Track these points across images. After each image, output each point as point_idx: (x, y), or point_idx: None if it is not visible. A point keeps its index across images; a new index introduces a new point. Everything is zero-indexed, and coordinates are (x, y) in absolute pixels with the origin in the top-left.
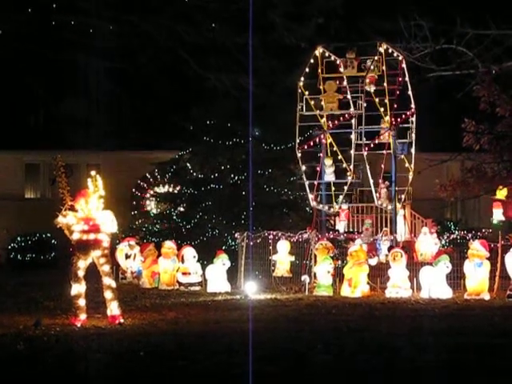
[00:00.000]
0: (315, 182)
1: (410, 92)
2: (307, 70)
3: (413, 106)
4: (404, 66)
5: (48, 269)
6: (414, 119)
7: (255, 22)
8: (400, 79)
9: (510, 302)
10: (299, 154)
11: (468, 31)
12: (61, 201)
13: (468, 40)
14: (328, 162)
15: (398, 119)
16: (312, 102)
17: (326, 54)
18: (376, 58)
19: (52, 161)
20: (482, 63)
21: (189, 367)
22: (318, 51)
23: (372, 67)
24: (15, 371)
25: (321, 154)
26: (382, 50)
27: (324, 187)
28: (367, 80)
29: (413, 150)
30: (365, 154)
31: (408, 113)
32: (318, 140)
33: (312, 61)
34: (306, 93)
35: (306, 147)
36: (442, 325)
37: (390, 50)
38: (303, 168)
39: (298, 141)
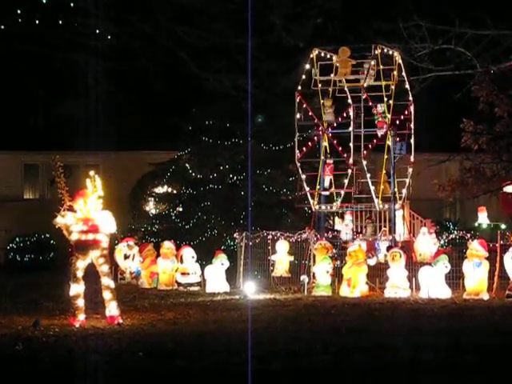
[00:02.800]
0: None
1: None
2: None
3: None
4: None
5: (47, 269)
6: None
7: (254, 22)
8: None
9: (509, 302)
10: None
11: (466, 31)
12: (60, 201)
13: (466, 40)
14: (328, 102)
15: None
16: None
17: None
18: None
19: (51, 161)
20: (480, 63)
21: (188, 367)
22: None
23: (381, 109)
24: (14, 371)
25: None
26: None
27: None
28: (377, 124)
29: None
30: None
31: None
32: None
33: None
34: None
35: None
36: (440, 325)
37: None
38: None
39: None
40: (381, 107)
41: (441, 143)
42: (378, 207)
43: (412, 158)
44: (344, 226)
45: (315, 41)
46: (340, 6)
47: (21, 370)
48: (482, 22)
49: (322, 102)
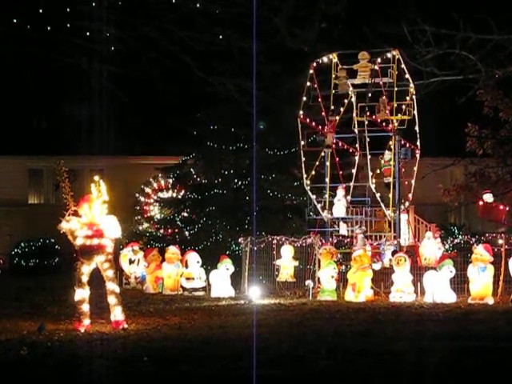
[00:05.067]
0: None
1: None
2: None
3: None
4: (398, 56)
5: (51, 274)
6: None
7: (258, 26)
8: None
9: None
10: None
11: (471, 36)
12: (64, 206)
13: (471, 45)
14: (342, 73)
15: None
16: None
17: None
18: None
19: (55, 166)
20: (485, 68)
21: (193, 372)
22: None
23: (387, 157)
24: (19, 376)
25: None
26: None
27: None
28: (383, 172)
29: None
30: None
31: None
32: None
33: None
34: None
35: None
36: (445, 329)
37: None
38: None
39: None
40: (387, 155)
41: (445, 148)
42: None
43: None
44: (336, 201)
45: (319, 45)
46: (344, 10)
47: (25, 374)
48: (486, 27)
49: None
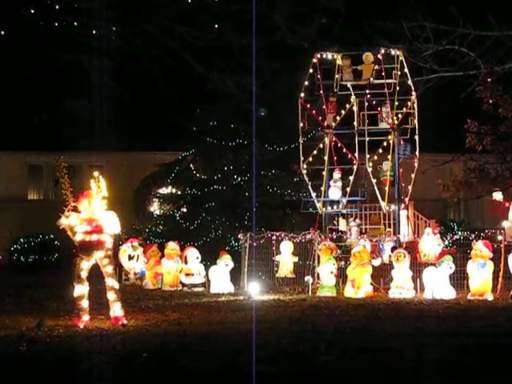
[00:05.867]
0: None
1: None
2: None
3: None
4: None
5: (51, 270)
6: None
7: (258, 22)
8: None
9: None
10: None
11: (470, 32)
12: (64, 202)
13: (470, 41)
14: (346, 62)
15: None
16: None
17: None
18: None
19: (55, 162)
20: (484, 64)
21: (192, 368)
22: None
23: (386, 167)
24: (18, 372)
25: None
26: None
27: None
28: (382, 182)
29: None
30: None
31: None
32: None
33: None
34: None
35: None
36: (445, 325)
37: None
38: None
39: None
40: (386, 165)
41: (445, 144)
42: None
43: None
44: (332, 184)
45: (319, 41)
46: (344, 6)
47: (25, 370)
48: (486, 23)
49: (339, 63)
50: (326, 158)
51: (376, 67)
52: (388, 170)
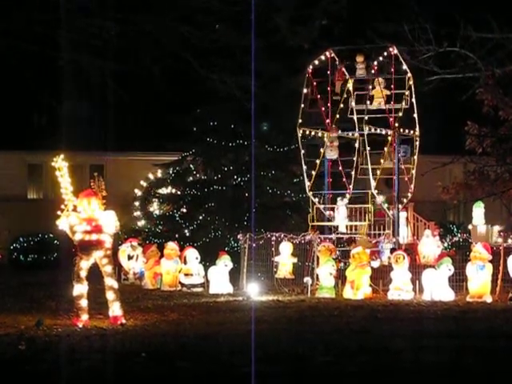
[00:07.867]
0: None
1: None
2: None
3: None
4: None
5: (50, 269)
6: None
7: (259, 23)
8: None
9: None
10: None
11: (471, 34)
12: (63, 202)
13: (471, 43)
14: (360, 58)
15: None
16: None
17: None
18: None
19: (54, 161)
20: (485, 66)
21: (191, 369)
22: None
23: (379, 201)
24: (17, 371)
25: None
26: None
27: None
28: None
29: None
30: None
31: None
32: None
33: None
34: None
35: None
36: (443, 327)
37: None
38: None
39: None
40: (380, 199)
41: (445, 145)
42: (378, 201)
43: (415, 157)
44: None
45: (320, 43)
46: (345, 9)
47: (23, 369)
48: (486, 25)
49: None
50: (322, 150)
51: (387, 93)
52: (382, 202)
